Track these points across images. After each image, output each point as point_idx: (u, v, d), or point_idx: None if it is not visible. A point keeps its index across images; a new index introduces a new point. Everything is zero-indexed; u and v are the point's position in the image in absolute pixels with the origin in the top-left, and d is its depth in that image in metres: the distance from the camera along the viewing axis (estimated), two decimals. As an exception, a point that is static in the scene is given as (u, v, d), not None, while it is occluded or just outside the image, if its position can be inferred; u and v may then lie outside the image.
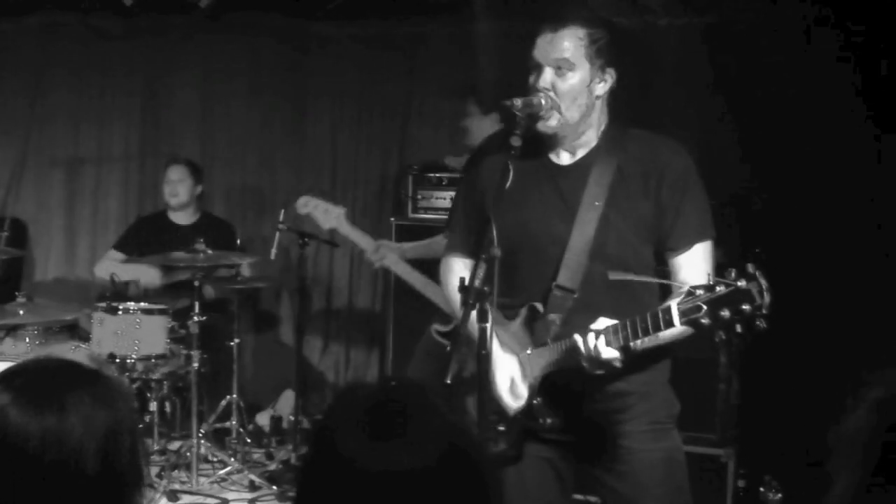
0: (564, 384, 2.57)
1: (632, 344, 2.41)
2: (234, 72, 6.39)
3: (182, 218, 5.84)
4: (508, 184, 2.44)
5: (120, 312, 4.92)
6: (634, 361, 2.50)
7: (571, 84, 2.57)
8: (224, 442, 5.35)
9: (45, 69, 6.37)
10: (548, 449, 2.68)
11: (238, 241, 5.73)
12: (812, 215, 4.75)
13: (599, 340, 2.42)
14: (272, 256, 5.26)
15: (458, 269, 2.80)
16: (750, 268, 2.21)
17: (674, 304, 2.32)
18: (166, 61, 6.41)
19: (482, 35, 5.51)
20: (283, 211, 5.28)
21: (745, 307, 2.18)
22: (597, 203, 2.58)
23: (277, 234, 5.25)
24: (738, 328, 2.21)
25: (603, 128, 2.68)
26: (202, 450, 4.92)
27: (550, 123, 2.58)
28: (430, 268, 3.94)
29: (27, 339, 4.82)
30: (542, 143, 2.67)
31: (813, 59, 4.80)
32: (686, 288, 2.31)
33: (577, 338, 2.46)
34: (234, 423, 5.34)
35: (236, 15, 6.13)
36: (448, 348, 2.32)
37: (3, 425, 1.48)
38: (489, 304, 2.27)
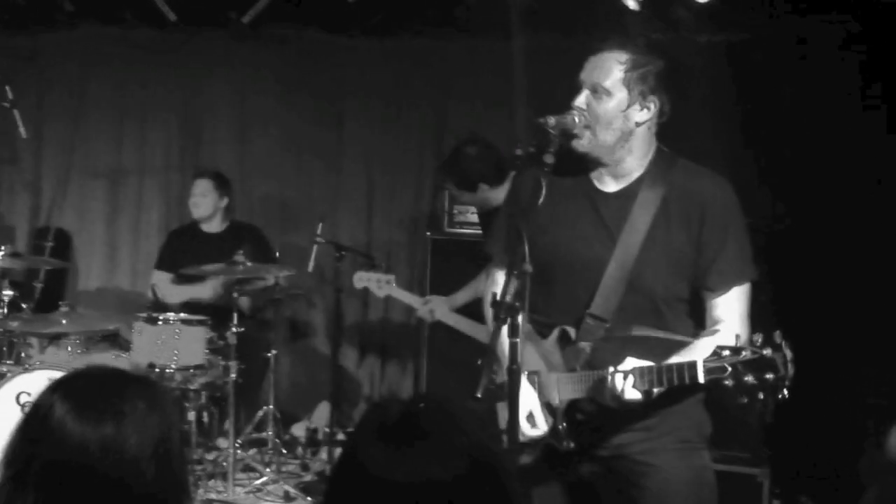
0: (593, 402, 2.57)
1: (655, 389, 2.43)
2: (271, 85, 6.45)
3: (212, 227, 5.88)
4: (541, 201, 2.45)
5: (159, 323, 4.96)
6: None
7: (606, 108, 2.55)
8: (260, 452, 5.40)
9: (88, 82, 6.48)
10: (575, 466, 2.67)
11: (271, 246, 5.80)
12: (839, 237, 4.69)
13: (627, 381, 2.44)
14: (310, 269, 5.32)
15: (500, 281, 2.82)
16: (776, 337, 2.23)
17: (700, 361, 2.33)
18: (204, 74, 6.50)
19: (518, 52, 5.53)
20: (320, 224, 5.34)
21: (769, 376, 2.20)
22: (639, 233, 2.54)
23: (315, 247, 5.31)
24: (761, 395, 2.22)
25: (650, 157, 2.63)
26: (238, 459, 4.96)
27: (582, 142, 2.58)
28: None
29: (69, 348, 4.86)
30: (582, 165, 2.65)
31: (841, 78, 4.75)
32: (713, 345, 2.33)
33: (606, 374, 2.48)
34: (270, 433, 5.38)
35: (273, 29, 6.20)
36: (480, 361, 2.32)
37: (62, 435, 1.51)
38: (520, 319, 2.28)
